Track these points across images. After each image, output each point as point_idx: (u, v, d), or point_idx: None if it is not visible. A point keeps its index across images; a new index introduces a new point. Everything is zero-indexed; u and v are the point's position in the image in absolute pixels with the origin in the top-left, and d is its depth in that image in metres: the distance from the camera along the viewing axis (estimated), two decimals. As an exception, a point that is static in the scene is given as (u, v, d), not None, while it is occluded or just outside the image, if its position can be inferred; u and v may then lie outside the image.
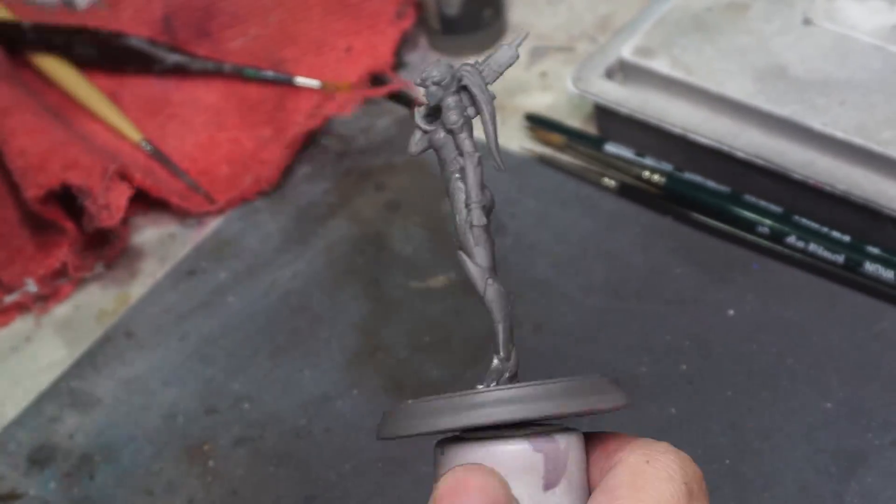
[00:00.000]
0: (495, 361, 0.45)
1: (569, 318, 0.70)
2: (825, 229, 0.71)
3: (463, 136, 0.45)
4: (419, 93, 0.46)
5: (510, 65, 0.47)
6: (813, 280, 0.70)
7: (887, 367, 0.66)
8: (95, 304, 0.76)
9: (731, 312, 0.69)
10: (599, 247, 0.74)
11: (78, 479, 0.67)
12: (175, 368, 0.71)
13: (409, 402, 0.43)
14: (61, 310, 0.76)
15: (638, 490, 0.41)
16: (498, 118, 0.86)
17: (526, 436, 0.43)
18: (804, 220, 0.71)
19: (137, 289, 0.76)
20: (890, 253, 0.69)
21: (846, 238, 0.70)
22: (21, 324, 0.76)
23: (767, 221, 0.72)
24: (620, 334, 0.69)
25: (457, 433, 0.44)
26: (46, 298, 0.76)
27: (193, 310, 0.74)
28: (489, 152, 0.46)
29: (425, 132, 0.46)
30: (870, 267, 0.69)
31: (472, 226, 0.45)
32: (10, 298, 0.75)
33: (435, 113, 0.46)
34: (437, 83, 0.45)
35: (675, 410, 0.65)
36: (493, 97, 0.46)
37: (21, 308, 0.76)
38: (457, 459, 0.43)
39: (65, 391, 0.71)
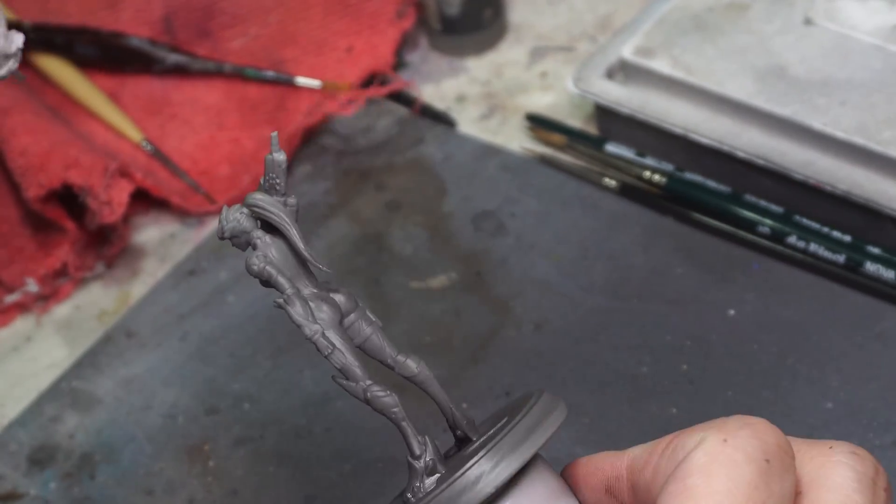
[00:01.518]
0: (414, 463, 0.44)
1: (569, 318, 0.70)
2: (826, 229, 0.71)
3: (275, 279, 0.45)
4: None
5: (283, 166, 0.46)
6: (813, 280, 0.70)
7: (888, 367, 0.66)
8: (96, 303, 0.76)
9: (732, 312, 0.69)
10: (600, 247, 0.74)
11: (78, 478, 0.67)
12: (175, 368, 0.71)
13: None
14: (62, 309, 0.76)
15: (711, 476, 0.38)
16: (499, 118, 0.86)
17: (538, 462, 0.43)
18: (805, 220, 0.71)
19: (138, 288, 0.76)
20: (891, 253, 0.69)
21: (847, 238, 0.70)
22: (21, 323, 0.76)
23: (768, 221, 0.72)
24: (621, 334, 0.69)
25: None
26: (47, 298, 0.76)
27: (194, 309, 0.74)
28: (305, 260, 0.45)
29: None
30: (871, 267, 0.69)
31: (325, 356, 0.44)
32: (10, 298, 0.75)
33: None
34: (235, 235, 0.45)
35: (676, 410, 0.65)
36: (288, 205, 0.46)
37: (22, 308, 0.76)
38: None
39: (65, 391, 0.71)
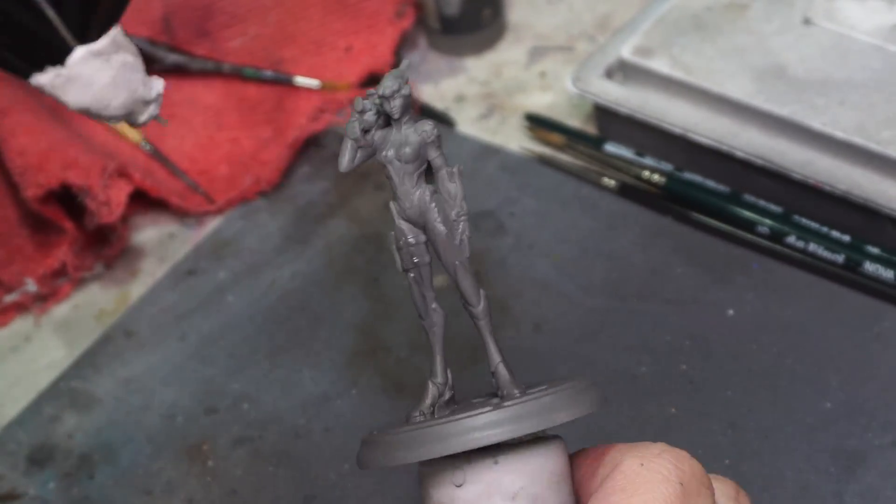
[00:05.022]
0: (501, 369, 0.45)
1: (569, 318, 0.70)
2: (825, 229, 0.71)
3: (437, 152, 0.45)
4: (363, 108, 0.46)
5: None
6: (813, 280, 0.70)
7: (887, 367, 0.66)
8: (95, 303, 0.76)
9: (731, 312, 0.69)
10: (599, 247, 0.74)
11: (77, 478, 0.67)
12: (174, 368, 0.71)
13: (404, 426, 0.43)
14: (61, 309, 0.76)
15: (631, 494, 0.41)
16: (498, 118, 0.86)
17: (555, 442, 0.43)
18: (804, 220, 0.71)
19: (137, 288, 0.76)
20: (890, 253, 0.69)
21: (846, 238, 0.70)
22: (21, 324, 0.76)
23: (767, 221, 0.72)
24: (620, 334, 0.69)
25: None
26: (46, 298, 0.76)
27: (193, 309, 0.74)
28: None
29: (360, 147, 0.46)
30: (869, 267, 0.69)
31: (463, 236, 0.45)
32: (9, 298, 0.75)
33: (370, 129, 0.46)
34: (407, 95, 0.45)
35: (675, 410, 0.65)
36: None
37: (20, 308, 0.76)
38: (521, 468, 0.42)
39: (64, 391, 0.71)
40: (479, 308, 0.46)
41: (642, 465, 0.42)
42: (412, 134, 0.45)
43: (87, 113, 0.40)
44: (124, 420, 0.69)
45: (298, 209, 0.79)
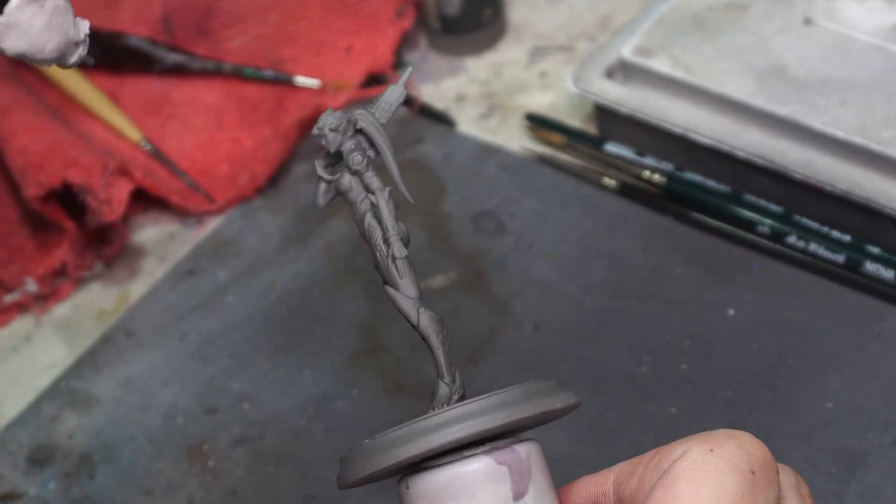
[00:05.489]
0: (442, 386, 0.45)
1: (569, 318, 0.70)
2: (825, 229, 0.71)
3: (369, 174, 0.47)
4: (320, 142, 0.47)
5: (400, 103, 0.47)
6: (813, 280, 0.70)
7: (887, 367, 0.66)
8: (95, 303, 0.76)
9: (732, 312, 0.69)
10: (599, 247, 0.74)
11: (77, 478, 0.67)
12: (175, 368, 0.71)
13: (365, 441, 0.44)
14: (61, 309, 0.76)
15: (698, 484, 0.39)
16: (499, 117, 0.86)
17: (486, 452, 0.43)
18: (804, 220, 0.71)
19: (137, 288, 0.76)
20: (890, 252, 0.69)
21: (846, 238, 0.70)
22: (21, 323, 0.76)
23: (768, 221, 0.72)
24: (620, 334, 0.69)
25: (418, 464, 0.43)
26: (46, 298, 0.76)
27: (193, 309, 0.74)
28: (396, 187, 0.46)
29: (329, 182, 0.47)
30: (870, 266, 0.69)
31: (394, 259, 0.46)
32: (9, 298, 0.75)
33: (335, 162, 0.47)
34: (333, 129, 0.46)
35: (676, 410, 0.65)
36: (389, 136, 0.47)
37: (21, 308, 0.76)
38: (423, 489, 0.43)
39: (64, 391, 0.71)
40: (418, 326, 0.46)
41: (712, 450, 0.39)
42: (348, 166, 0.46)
43: (23, 57, 0.43)
44: (124, 420, 0.69)
45: (299, 209, 0.79)
